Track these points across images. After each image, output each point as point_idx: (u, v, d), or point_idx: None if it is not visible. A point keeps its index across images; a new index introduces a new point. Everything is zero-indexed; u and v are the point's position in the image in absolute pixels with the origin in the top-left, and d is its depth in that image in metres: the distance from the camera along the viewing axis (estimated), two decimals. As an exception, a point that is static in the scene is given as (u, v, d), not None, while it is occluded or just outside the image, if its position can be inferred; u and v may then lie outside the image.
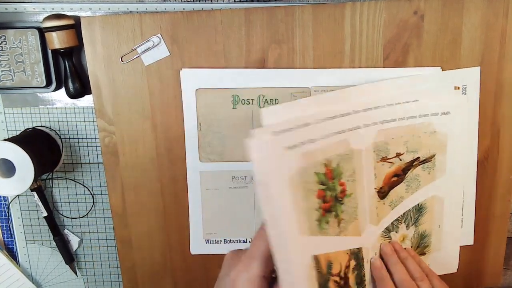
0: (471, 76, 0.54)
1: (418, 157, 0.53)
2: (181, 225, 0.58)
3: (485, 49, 0.54)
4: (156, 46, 0.53)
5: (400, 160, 0.52)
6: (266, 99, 0.54)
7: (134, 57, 0.53)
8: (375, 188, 0.50)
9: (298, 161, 0.40)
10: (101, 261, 0.64)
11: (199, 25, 0.52)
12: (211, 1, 0.55)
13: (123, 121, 0.55)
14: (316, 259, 0.42)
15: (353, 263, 0.47)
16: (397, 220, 0.54)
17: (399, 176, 0.52)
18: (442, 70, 0.54)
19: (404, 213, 0.54)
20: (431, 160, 0.53)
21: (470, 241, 0.59)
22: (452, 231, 0.57)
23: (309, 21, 0.52)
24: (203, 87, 0.54)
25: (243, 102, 0.54)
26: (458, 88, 0.55)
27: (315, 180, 0.42)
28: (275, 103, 0.54)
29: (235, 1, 0.55)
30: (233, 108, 0.54)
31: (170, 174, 0.56)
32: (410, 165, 0.53)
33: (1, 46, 0.54)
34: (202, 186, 0.56)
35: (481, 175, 0.56)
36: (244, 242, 0.58)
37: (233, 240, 0.58)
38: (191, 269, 0.60)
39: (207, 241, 0.58)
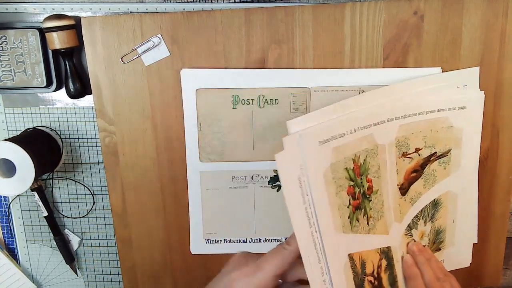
0: (472, 75, 0.55)
1: (435, 152, 0.53)
2: (181, 225, 0.58)
3: (485, 49, 0.54)
4: (156, 46, 0.53)
5: (419, 155, 0.52)
6: (266, 99, 0.54)
7: (135, 57, 0.53)
8: (397, 185, 0.50)
9: (330, 156, 0.41)
10: (101, 261, 0.64)
11: (199, 26, 0.52)
12: (211, 2, 0.55)
13: (123, 121, 0.55)
14: (351, 258, 0.42)
15: (384, 262, 0.46)
16: (416, 216, 0.53)
17: (418, 171, 0.52)
18: (442, 71, 0.54)
19: (422, 209, 0.54)
20: (447, 155, 0.53)
21: (474, 240, 0.59)
22: (466, 226, 0.57)
23: (309, 21, 0.52)
24: (203, 87, 0.54)
25: (243, 102, 0.54)
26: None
27: (345, 176, 0.42)
28: (275, 103, 0.54)
29: (235, 1, 0.55)
30: (233, 108, 0.54)
31: (170, 174, 0.56)
32: (428, 160, 0.53)
33: (2, 46, 0.54)
34: (202, 186, 0.56)
35: (481, 175, 0.56)
36: (244, 242, 0.58)
37: (233, 240, 0.58)
38: (191, 269, 0.60)
39: (207, 241, 0.58)
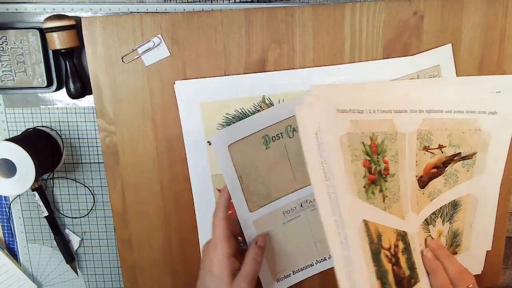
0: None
1: (460, 153, 0.53)
2: (181, 225, 0.58)
3: (485, 49, 0.54)
4: (156, 46, 0.53)
5: (442, 152, 0.52)
6: (293, 128, 0.52)
7: (135, 57, 0.53)
8: (416, 176, 0.50)
9: (347, 126, 0.43)
10: (101, 260, 0.64)
11: (199, 26, 0.52)
12: (211, 2, 0.55)
13: (123, 121, 0.55)
14: (366, 224, 0.43)
15: (401, 244, 0.46)
16: (434, 213, 0.53)
17: (439, 168, 0.52)
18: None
19: (441, 208, 0.53)
20: (471, 158, 0.53)
21: (489, 247, 0.59)
22: (482, 232, 0.57)
23: (309, 21, 0.52)
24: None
25: (273, 139, 0.52)
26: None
27: (362, 149, 0.44)
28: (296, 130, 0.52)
29: (235, 2, 0.55)
30: (267, 148, 0.52)
31: (170, 174, 0.57)
32: (451, 160, 0.52)
33: (2, 47, 0.55)
34: (257, 232, 0.54)
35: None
36: (311, 265, 0.56)
37: (301, 268, 0.56)
38: (191, 269, 0.60)
39: (278, 280, 0.56)
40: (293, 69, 0.53)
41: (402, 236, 0.46)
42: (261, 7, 0.53)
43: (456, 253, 0.56)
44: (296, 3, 0.55)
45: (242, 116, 0.54)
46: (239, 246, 0.51)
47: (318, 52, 0.53)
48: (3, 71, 0.55)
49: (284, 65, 0.53)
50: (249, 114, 0.54)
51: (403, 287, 0.45)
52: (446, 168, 0.52)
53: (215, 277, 0.47)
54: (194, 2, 0.55)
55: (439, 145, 0.51)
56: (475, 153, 0.53)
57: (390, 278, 0.44)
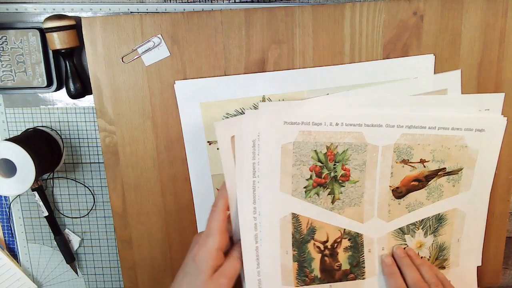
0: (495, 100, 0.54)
1: (444, 168, 0.54)
2: (181, 225, 0.58)
3: (485, 49, 0.54)
4: (156, 46, 0.53)
5: (424, 166, 0.53)
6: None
7: (135, 57, 0.53)
8: (390, 186, 0.53)
9: (295, 135, 0.50)
10: (101, 260, 0.64)
11: (199, 26, 0.52)
12: (211, 2, 0.55)
13: (123, 121, 0.55)
14: (296, 217, 0.52)
15: (347, 243, 0.54)
16: (413, 224, 0.55)
17: (421, 182, 0.54)
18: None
19: (422, 220, 0.55)
20: (457, 173, 0.54)
21: (479, 262, 0.59)
22: (472, 248, 0.57)
23: (309, 21, 0.52)
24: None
25: None
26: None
27: (312, 156, 0.51)
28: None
29: (235, 2, 0.55)
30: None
31: (170, 174, 0.57)
32: (434, 174, 0.54)
33: (2, 47, 0.55)
34: None
35: (481, 175, 0.56)
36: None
37: None
38: (191, 269, 0.60)
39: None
40: (293, 69, 0.53)
41: (353, 236, 0.54)
42: (261, 7, 0.53)
43: (444, 267, 0.57)
44: (296, 3, 0.55)
45: (242, 116, 0.54)
46: (229, 244, 0.50)
47: (318, 52, 0.53)
48: (3, 71, 0.55)
49: (284, 65, 0.53)
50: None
51: (332, 276, 0.54)
52: (429, 182, 0.54)
53: (197, 267, 0.46)
54: (194, 2, 0.55)
55: (421, 159, 0.53)
56: (461, 169, 0.54)
57: (315, 265, 0.53)
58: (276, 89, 0.53)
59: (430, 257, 0.56)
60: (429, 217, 0.55)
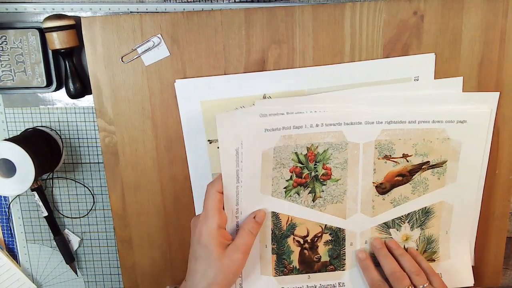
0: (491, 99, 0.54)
1: (428, 161, 0.54)
2: (181, 225, 0.58)
3: (485, 49, 0.54)
4: (156, 46, 0.53)
5: (408, 161, 0.54)
6: None
7: (135, 57, 0.53)
8: (373, 183, 0.54)
9: (276, 140, 0.50)
10: (101, 261, 0.64)
11: (199, 26, 0.52)
12: (211, 2, 0.55)
13: (123, 121, 0.55)
14: (276, 215, 0.54)
15: (327, 237, 0.55)
16: (399, 218, 0.56)
17: (405, 176, 0.54)
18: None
19: (408, 214, 0.55)
20: (441, 166, 0.54)
21: (472, 262, 0.59)
22: (462, 240, 0.57)
23: (309, 21, 0.52)
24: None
25: None
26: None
27: (292, 158, 0.52)
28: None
29: (235, 1, 0.55)
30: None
31: (170, 174, 0.57)
32: (418, 168, 0.54)
33: (2, 46, 0.55)
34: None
35: (481, 175, 0.56)
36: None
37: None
38: (191, 269, 0.60)
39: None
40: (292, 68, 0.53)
41: (335, 232, 0.55)
42: (261, 7, 0.53)
43: (434, 260, 0.57)
44: (296, 3, 0.55)
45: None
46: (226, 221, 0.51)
47: (318, 52, 0.53)
48: (2, 71, 0.55)
49: (284, 65, 0.53)
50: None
51: (311, 267, 0.56)
52: (414, 176, 0.54)
53: (205, 248, 0.46)
54: (194, 2, 0.55)
55: (403, 154, 0.53)
56: (445, 161, 0.54)
57: (294, 257, 0.56)
58: (277, 87, 0.53)
59: (417, 249, 0.56)
60: (415, 211, 0.55)
